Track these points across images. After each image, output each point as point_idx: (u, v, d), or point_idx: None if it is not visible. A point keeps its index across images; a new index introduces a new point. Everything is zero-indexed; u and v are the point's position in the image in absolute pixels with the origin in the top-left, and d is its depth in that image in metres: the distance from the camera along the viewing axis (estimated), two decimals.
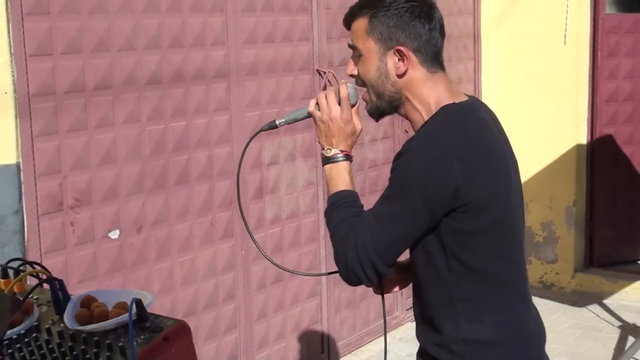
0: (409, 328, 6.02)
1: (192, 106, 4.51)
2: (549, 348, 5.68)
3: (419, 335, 2.53)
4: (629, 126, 6.81)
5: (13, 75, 3.67)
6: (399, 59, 2.37)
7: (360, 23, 2.41)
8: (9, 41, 3.65)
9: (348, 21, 2.47)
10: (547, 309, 6.40)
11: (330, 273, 2.67)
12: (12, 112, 3.68)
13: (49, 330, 2.09)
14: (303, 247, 5.29)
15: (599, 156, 6.79)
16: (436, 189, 2.23)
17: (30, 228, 3.78)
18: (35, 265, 2.26)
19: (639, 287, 6.59)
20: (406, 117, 2.49)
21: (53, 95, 3.85)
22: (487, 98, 6.88)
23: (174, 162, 4.44)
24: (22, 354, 2.02)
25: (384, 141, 5.87)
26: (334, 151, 2.49)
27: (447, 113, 2.35)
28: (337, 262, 2.36)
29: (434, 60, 2.42)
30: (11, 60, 3.67)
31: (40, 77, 3.80)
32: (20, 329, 2.10)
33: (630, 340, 5.64)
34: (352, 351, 5.72)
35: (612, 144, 6.79)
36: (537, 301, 6.50)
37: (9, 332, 2.06)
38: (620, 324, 6.10)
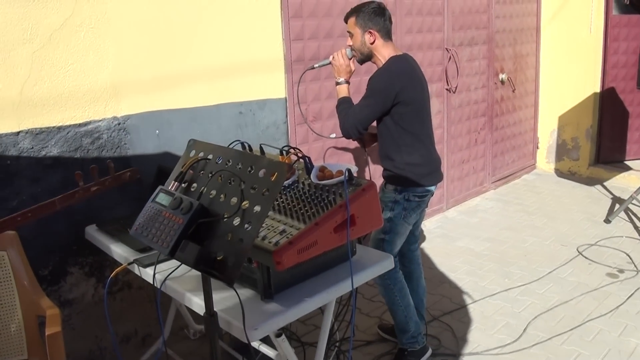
0: (492, 193, 5.85)
1: None
2: (573, 209, 5.37)
3: (382, 165, 2.82)
4: (623, 82, 6.09)
5: (284, 51, 3.66)
6: (370, 36, 2.71)
7: (352, 19, 2.73)
8: (282, 32, 3.62)
9: (346, 19, 2.77)
10: (572, 187, 5.94)
11: (338, 137, 3.37)
12: (282, 70, 3.68)
13: (303, 183, 2.11)
14: None
15: (606, 99, 6.10)
16: (387, 93, 2.62)
17: (291, 131, 3.80)
18: (296, 149, 2.30)
19: (623, 176, 6.00)
20: (374, 63, 2.78)
21: (303, 61, 3.79)
22: (543, 65, 6.34)
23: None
24: (290, 194, 2.07)
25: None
26: (340, 79, 2.83)
27: (392, 59, 2.69)
28: (340, 127, 2.72)
29: (387, 36, 2.73)
30: (283, 42, 3.65)
31: (297, 51, 3.75)
32: (289, 182, 2.14)
33: (617, 206, 5.23)
34: (460, 203, 5.54)
35: (613, 93, 6.11)
36: (565, 183, 6.24)
37: (285, 182, 2.13)
38: (612, 196, 5.61)
